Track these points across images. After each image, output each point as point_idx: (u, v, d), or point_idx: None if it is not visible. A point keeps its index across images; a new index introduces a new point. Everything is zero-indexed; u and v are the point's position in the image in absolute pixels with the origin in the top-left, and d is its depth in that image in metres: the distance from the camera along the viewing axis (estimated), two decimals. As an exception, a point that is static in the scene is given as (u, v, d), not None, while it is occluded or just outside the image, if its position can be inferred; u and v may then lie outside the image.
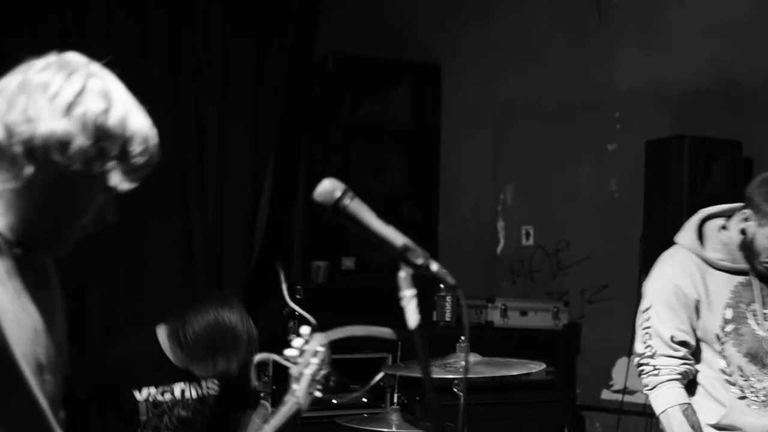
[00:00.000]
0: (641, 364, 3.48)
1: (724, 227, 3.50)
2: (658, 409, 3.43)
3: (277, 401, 2.09)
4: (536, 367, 3.87)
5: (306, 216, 6.00)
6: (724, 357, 3.44)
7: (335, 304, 5.24)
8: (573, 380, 6.09)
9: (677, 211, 5.10)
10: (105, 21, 5.03)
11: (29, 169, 1.72)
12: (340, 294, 5.52)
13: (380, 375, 2.00)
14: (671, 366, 3.42)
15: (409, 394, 4.64)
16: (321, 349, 2.02)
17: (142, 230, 5.13)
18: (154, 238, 5.15)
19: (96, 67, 1.83)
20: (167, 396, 3.73)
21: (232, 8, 5.40)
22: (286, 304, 3.69)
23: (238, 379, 3.72)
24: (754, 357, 3.44)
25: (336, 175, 1.91)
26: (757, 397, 3.44)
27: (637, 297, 3.68)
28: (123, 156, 1.77)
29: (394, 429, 4.03)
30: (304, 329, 2.07)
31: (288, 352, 2.04)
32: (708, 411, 3.44)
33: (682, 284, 3.43)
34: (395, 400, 4.37)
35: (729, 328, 3.43)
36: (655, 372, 3.43)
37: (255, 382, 2.16)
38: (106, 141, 1.74)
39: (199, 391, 3.81)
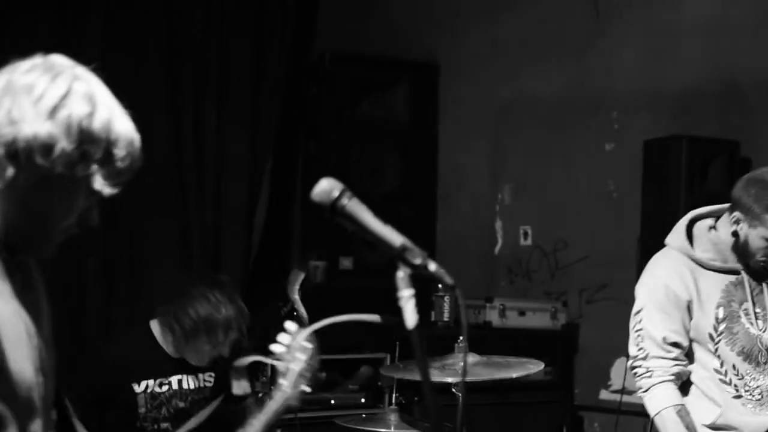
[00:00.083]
0: (634, 367, 3.49)
1: (713, 227, 3.52)
2: (652, 410, 3.43)
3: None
4: (535, 368, 3.86)
5: (304, 216, 5.99)
6: (718, 357, 3.45)
7: (333, 305, 5.23)
8: (571, 380, 6.09)
9: (675, 211, 5.09)
10: (104, 21, 5.03)
11: (11, 171, 1.72)
12: (338, 294, 5.51)
13: (365, 368, 2.01)
14: (664, 367, 3.42)
15: (408, 394, 4.64)
16: (307, 344, 2.02)
17: (141, 230, 5.13)
18: (152, 239, 5.15)
19: (81, 70, 1.81)
20: (165, 388, 3.76)
21: (230, 8, 5.40)
22: (284, 304, 3.71)
23: (228, 367, 3.73)
24: (748, 355, 3.45)
25: (334, 175, 1.90)
26: (752, 395, 3.45)
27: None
28: (106, 160, 1.77)
29: (392, 429, 4.02)
30: (290, 325, 2.07)
31: (275, 348, 2.04)
32: (703, 411, 3.45)
33: (673, 285, 3.44)
34: (394, 400, 4.37)
35: (722, 327, 3.44)
36: (648, 374, 3.44)
37: (245, 390, 2.15)
38: (90, 145, 1.73)
39: (196, 383, 3.82)
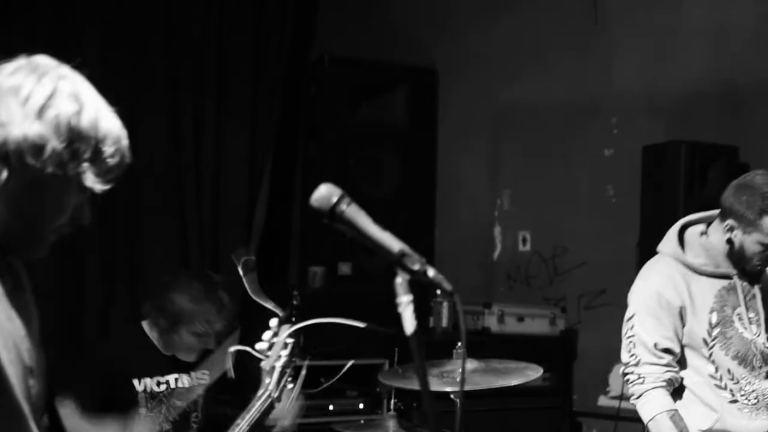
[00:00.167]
0: (626, 373, 3.50)
1: (704, 233, 3.54)
2: (646, 417, 3.44)
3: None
4: (534, 374, 3.85)
5: (303, 221, 5.99)
6: (713, 362, 3.46)
7: (332, 310, 5.23)
8: (570, 386, 6.08)
9: (674, 217, 5.03)
10: (104, 21, 5.03)
11: (3, 174, 1.72)
12: (336, 299, 5.51)
13: (350, 363, 2.01)
14: (656, 373, 3.43)
15: (406, 400, 4.63)
16: (290, 340, 2.02)
17: (140, 230, 5.14)
18: (151, 238, 5.15)
19: (66, 70, 1.83)
20: (163, 387, 3.78)
21: (230, 9, 5.40)
22: (291, 309, 3.71)
23: (222, 362, 3.74)
24: (743, 360, 3.46)
25: (333, 179, 1.90)
26: (748, 399, 3.46)
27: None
28: (96, 157, 1.78)
29: (390, 435, 4.01)
30: (273, 322, 2.07)
31: (258, 345, 2.05)
32: (700, 417, 3.45)
33: (664, 292, 3.45)
34: (392, 406, 4.36)
35: (715, 332, 3.46)
36: (641, 380, 3.44)
37: (230, 372, 2.16)
38: (79, 143, 1.74)
39: (190, 381, 3.84)
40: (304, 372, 2.13)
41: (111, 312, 5.02)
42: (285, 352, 2.03)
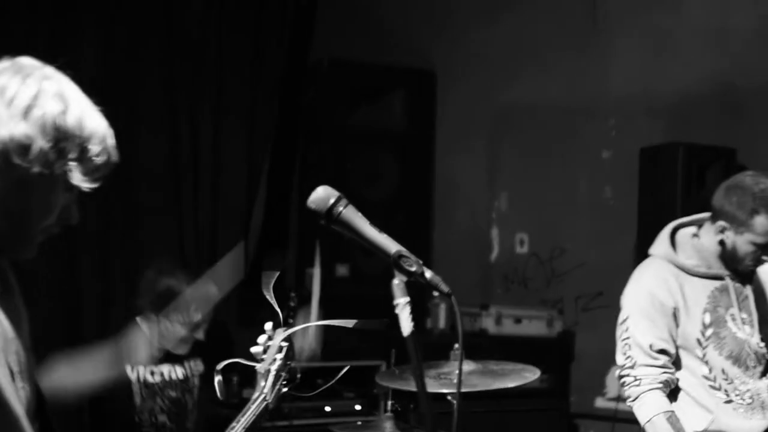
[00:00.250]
0: (622, 376, 3.50)
1: (695, 235, 3.56)
2: (643, 419, 3.44)
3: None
4: (531, 376, 3.85)
5: (300, 222, 5.99)
6: (706, 362, 3.47)
7: (329, 312, 5.22)
8: (567, 388, 6.08)
9: (672, 218, 5.05)
10: (100, 23, 5.03)
11: None
12: (333, 301, 5.50)
13: (346, 368, 2.01)
14: (652, 375, 3.43)
15: (403, 401, 4.62)
16: (285, 344, 2.03)
17: (138, 231, 5.13)
18: (149, 239, 5.15)
19: (50, 70, 1.83)
20: (157, 378, 3.78)
21: (228, 12, 5.40)
22: (288, 311, 3.74)
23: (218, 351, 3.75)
24: (736, 359, 3.47)
25: (330, 182, 1.90)
26: (743, 399, 3.46)
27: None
28: (82, 156, 1.78)
29: (387, 437, 4.01)
30: (267, 325, 2.07)
31: (253, 349, 2.05)
32: (695, 418, 3.46)
33: (658, 293, 3.46)
34: (389, 407, 4.35)
35: (709, 332, 3.47)
36: (637, 382, 3.45)
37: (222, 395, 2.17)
38: (65, 142, 1.75)
39: (184, 372, 3.84)
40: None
41: (109, 315, 5.01)
42: (280, 356, 2.03)
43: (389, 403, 4.32)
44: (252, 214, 5.52)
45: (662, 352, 3.45)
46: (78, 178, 1.78)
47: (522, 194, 6.56)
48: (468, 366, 3.86)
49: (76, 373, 3.44)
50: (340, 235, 1.88)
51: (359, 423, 4.52)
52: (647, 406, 3.43)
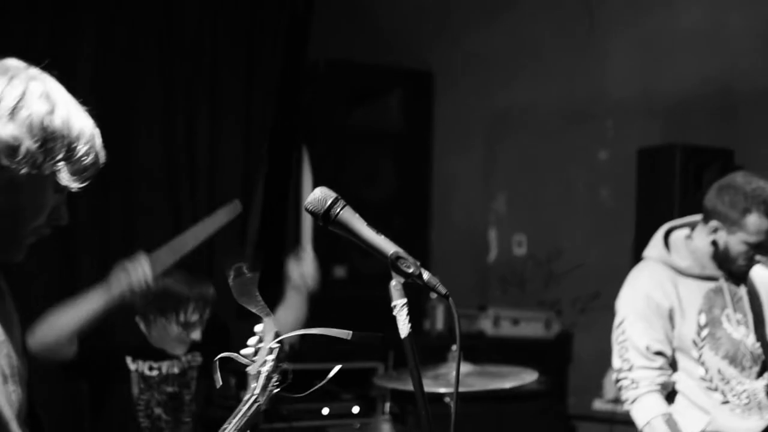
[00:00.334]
0: (619, 379, 3.50)
1: (689, 237, 3.58)
2: (640, 421, 3.44)
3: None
4: (528, 378, 3.85)
5: (297, 225, 5.98)
6: (702, 363, 3.48)
7: (326, 314, 5.22)
8: (565, 390, 6.08)
9: (669, 220, 5.10)
10: (97, 26, 5.03)
11: None
12: (331, 303, 5.49)
13: (338, 367, 2.01)
14: (650, 378, 3.43)
15: (401, 404, 4.62)
16: (276, 345, 2.03)
17: (135, 233, 5.12)
18: (146, 242, 5.13)
19: (35, 71, 1.82)
20: (155, 372, 3.79)
21: (224, 14, 5.40)
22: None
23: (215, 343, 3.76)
24: (733, 360, 3.48)
25: (327, 183, 1.90)
26: (739, 399, 3.47)
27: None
28: (70, 156, 1.78)
29: (385, 439, 4.01)
30: (258, 327, 2.07)
31: (243, 351, 2.05)
32: (692, 419, 3.46)
33: (653, 294, 3.47)
34: (387, 410, 4.35)
35: (705, 333, 3.48)
36: (634, 385, 3.45)
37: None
38: (53, 142, 1.75)
39: (181, 366, 3.84)
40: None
41: (106, 318, 5.00)
42: (271, 357, 2.03)
43: (387, 405, 4.31)
44: (249, 216, 5.51)
45: (659, 354, 3.45)
46: (66, 179, 1.78)
47: (520, 195, 6.56)
48: (465, 368, 3.87)
49: (65, 313, 3.47)
50: (338, 237, 1.88)
51: (357, 425, 4.51)
52: (645, 409, 3.42)
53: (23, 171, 1.72)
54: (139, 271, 3.51)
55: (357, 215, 1.87)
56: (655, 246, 3.60)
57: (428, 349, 4.48)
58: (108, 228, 5.06)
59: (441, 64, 6.41)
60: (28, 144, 1.71)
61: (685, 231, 3.60)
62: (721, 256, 3.48)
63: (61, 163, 1.77)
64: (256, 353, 2.04)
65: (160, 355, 3.84)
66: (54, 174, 1.77)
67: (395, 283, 1.82)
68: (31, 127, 1.72)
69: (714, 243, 3.46)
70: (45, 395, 4.37)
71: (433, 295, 5.17)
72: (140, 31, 5.17)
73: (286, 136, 5.91)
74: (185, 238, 3.82)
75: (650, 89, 5.95)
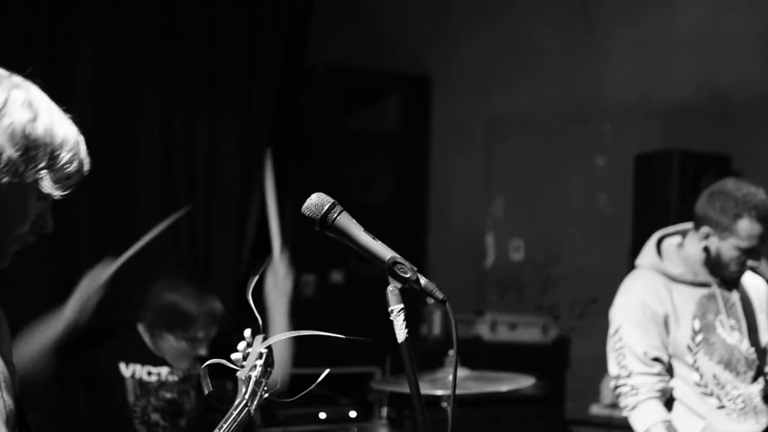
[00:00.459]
0: (618, 386, 3.50)
1: (680, 245, 3.59)
2: (640, 428, 3.44)
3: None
4: (525, 382, 3.85)
5: (294, 228, 5.97)
6: (697, 369, 3.48)
7: (324, 319, 5.22)
8: (562, 395, 6.07)
9: (667, 225, 5.10)
10: (96, 26, 5.03)
11: None
12: (328, 308, 5.50)
13: (325, 372, 2.02)
14: (649, 384, 3.43)
15: (398, 408, 4.61)
16: (265, 351, 2.04)
17: (132, 236, 5.11)
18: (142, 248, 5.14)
19: (18, 79, 1.81)
20: (153, 378, 3.77)
21: (223, 14, 5.40)
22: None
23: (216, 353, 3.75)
24: (727, 365, 3.49)
25: (325, 187, 1.90)
26: (735, 404, 3.48)
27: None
28: (53, 164, 1.77)
29: (382, 444, 4.00)
30: (247, 332, 2.08)
31: (233, 356, 2.06)
32: (689, 426, 3.46)
33: (648, 301, 3.48)
34: (384, 414, 4.35)
35: (699, 338, 3.49)
36: (634, 392, 3.44)
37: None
38: (35, 150, 1.74)
39: (181, 373, 3.83)
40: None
41: (105, 318, 5.00)
42: (260, 362, 2.04)
43: (384, 409, 4.31)
44: (247, 219, 5.51)
45: (656, 360, 3.45)
46: (49, 186, 1.77)
47: (517, 200, 6.56)
48: (462, 373, 3.86)
49: (36, 333, 3.50)
50: (335, 241, 1.88)
51: (355, 430, 4.51)
52: (645, 416, 3.42)
53: (5, 179, 1.71)
54: (96, 279, 3.53)
55: (354, 221, 1.87)
56: (647, 254, 3.61)
57: (425, 354, 4.48)
58: (106, 228, 5.05)
59: (439, 68, 6.42)
60: (10, 152, 1.70)
61: (677, 238, 3.62)
62: (713, 263, 3.49)
63: (44, 171, 1.76)
64: (245, 358, 2.05)
65: (157, 360, 3.83)
66: (36, 182, 1.76)
67: (392, 288, 1.82)
68: (13, 135, 1.71)
69: (706, 249, 3.48)
70: (41, 401, 4.37)
71: (431, 300, 5.18)
72: (140, 32, 5.17)
73: (285, 140, 5.91)
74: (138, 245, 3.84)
75: (648, 95, 5.96)
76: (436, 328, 5.70)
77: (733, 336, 3.52)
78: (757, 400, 3.52)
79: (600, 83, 6.16)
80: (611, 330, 3.55)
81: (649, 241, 3.65)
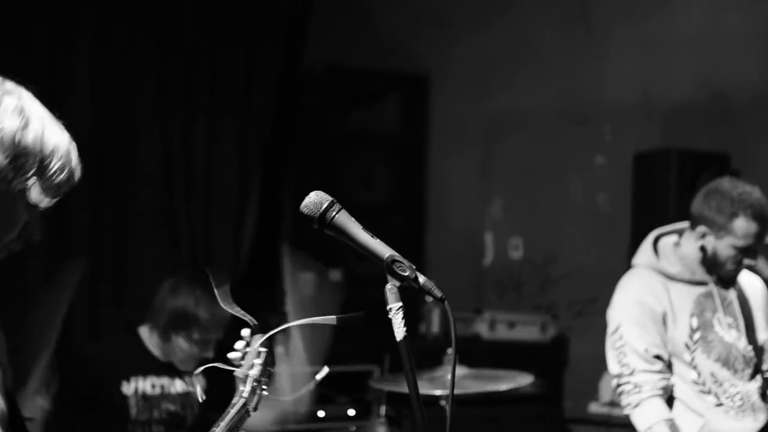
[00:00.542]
0: (620, 384, 3.50)
1: (677, 244, 3.60)
2: (642, 426, 3.44)
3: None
4: (524, 381, 3.86)
5: (294, 226, 5.98)
6: (695, 367, 3.49)
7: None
8: (561, 393, 6.08)
9: (666, 224, 5.11)
10: (96, 26, 5.03)
11: None
12: (327, 305, 5.49)
13: (324, 372, 2.03)
14: (651, 382, 3.44)
15: (397, 407, 4.62)
16: (263, 349, 2.05)
17: (130, 236, 5.12)
18: (140, 247, 5.14)
19: (11, 85, 1.79)
20: (157, 390, 3.76)
21: (223, 14, 5.40)
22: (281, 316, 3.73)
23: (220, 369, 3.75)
24: (725, 362, 3.50)
25: (324, 186, 1.91)
26: (733, 401, 3.48)
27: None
28: (42, 172, 1.75)
29: (380, 442, 4.01)
30: (245, 331, 2.09)
31: (231, 355, 2.07)
32: (688, 424, 3.46)
33: (646, 299, 3.49)
34: (382, 413, 4.35)
35: (697, 336, 3.49)
36: (637, 390, 3.44)
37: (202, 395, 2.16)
38: (24, 158, 1.72)
39: (184, 386, 3.82)
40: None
41: (103, 318, 5.01)
42: (259, 361, 2.04)
43: (382, 408, 4.32)
44: (245, 219, 5.51)
45: (657, 357, 3.46)
46: (36, 195, 1.76)
47: (516, 199, 6.56)
48: (461, 371, 3.87)
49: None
50: (334, 240, 1.88)
51: (354, 428, 4.51)
52: (647, 414, 3.42)
53: None
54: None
55: (352, 219, 1.87)
56: (644, 253, 3.62)
57: (424, 353, 4.48)
58: (106, 228, 5.06)
59: (437, 69, 6.42)
60: None
61: (674, 237, 3.62)
62: (709, 262, 3.50)
63: (33, 179, 1.74)
64: (243, 357, 2.06)
65: (159, 370, 3.81)
66: (25, 190, 1.74)
67: (391, 287, 1.82)
68: (2, 143, 1.69)
69: (702, 248, 3.48)
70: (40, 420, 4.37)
71: (429, 299, 5.19)
72: (140, 32, 5.18)
73: (284, 140, 5.92)
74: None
75: (647, 94, 5.96)
76: (435, 327, 5.70)
77: (730, 334, 3.53)
78: (755, 397, 3.53)
79: (600, 83, 6.16)
80: (610, 329, 3.56)
81: (645, 241, 3.66)
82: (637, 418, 3.45)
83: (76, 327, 4.91)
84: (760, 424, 3.51)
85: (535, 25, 6.36)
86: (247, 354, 2.06)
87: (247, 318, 2.09)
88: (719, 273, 3.52)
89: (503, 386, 3.82)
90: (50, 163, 1.75)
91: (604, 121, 6.15)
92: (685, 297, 3.51)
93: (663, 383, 3.45)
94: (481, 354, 5.50)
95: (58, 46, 4.88)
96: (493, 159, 6.66)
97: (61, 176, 1.77)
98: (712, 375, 3.48)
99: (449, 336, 2.85)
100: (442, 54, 6.52)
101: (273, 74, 5.57)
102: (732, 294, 3.59)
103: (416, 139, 6.28)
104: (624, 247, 5.54)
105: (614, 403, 5.66)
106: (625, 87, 6.06)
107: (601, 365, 5.84)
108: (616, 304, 3.59)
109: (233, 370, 2.05)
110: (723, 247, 3.43)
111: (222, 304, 2.04)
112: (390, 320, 1.81)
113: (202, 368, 2.09)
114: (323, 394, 5.16)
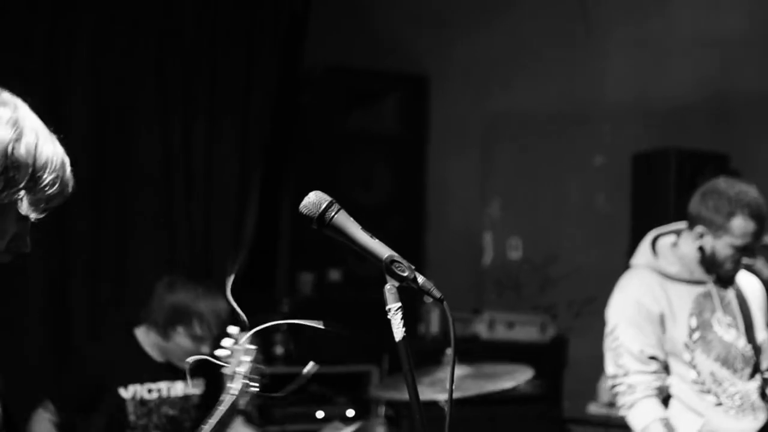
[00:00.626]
0: (615, 385, 3.51)
1: (675, 244, 3.61)
2: (638, 426, 3.45)
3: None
4: (523, 377, 3.86)
5: (293, 227, 5.98)
6: (694, 366, 3.49)
7: (322, 317, 5.22)
8: (560, 393, 6.08)
9: (665, 224, 5.11)
10: (96, 26, 5.03)
11: None
12: (326, 307, 5.50)
13: (312, 368, 2.03)
14: (646, 382, 3.45)
15: (396, 407, 4.62)
16: (251, 346, 2.05)
17: (129, 237, 5.12)
18: (140, 247, 5.14)
19: (7, 96, 1.77)
20: (154, 395, 3.76)
21: (223, 14, 5.40)
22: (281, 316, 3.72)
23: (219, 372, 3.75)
24: (725, 362, 3.50)
25: (323, 186, 1.91)
26: (732, 401, 3.49)
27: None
28: (33, 185, 1.73)
29: (379, 442, 4.01)
30: (233, 329, 2.09)
31: (220, 352, 2.07)
32: (687, 423, 3.47)
33: (644, 300, 3.50)
34: (381, 413, 4.36)
35: (696, 335, 3.50)
36: (631, 390, 3.46)
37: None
38: (15, 171, 1.70)
39: (183, 389, 3.82)
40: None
41: (103, 318, 5.01)
42: (247, 358, 2.05)
43: (382, 408, 4.32)
44: (244, 219, 5.51)
45: (653, 358, 3.46)
46: (26, 208, 1.74)
47: (515, 199, 6.56)
48: (460, 370, 3.87)
49: None
50: (333, 240, 1.89)
51: (352, 429, 4.51)
52: (642, 414, 3.43)
53: None
54: None
55: (351, 219, 1.87)
56: (642, 253, 3.63)
57: (423, 353, 4.49)
58: (106, 228, 5.06)
59: (437, 69, 6.42)
60: None
61: (672, 238, 3.63)
62: (708, 261, 3.51)
63: (23, 192, 1.72)
64: (231, 354, 2.07)
65: (156, 375, 3.81)
66: (15, 203, 1.73)
67: (390, 287, 1.82)
68: None
69: (701, 248, 3.49)
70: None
71: (428, 299, 5.18)
72: (139, 32, 5.17)
73: (283, 140, 5.92)
74: None
75: (646, 94, 5.96)
76: (434, 327, 5.70)
77: (729, 333, 3.53)
78: (755, 397, 3.54)
79: (599, 83, 6.17)
80: (607, 329, 3.57)
81: (643, 241, 3.67)
82: (633, 419, 3.46)
83: (76, 327, 4.91)
84: (759, 423, 3.52)
85: (535, 25, 6.36)
86: (235, 351, 2.07)
87: (242, 316, 2.10)
88: (718, 272, 3.53)
89: (503, 384, 3.82)
90: (42, 176, 1.74)
91: (603, 122, 6.15)
92: (684, 297, 3.52)
93: (657, 384, 3.46)
94: (480, 354, 5.50)
95: (57, 46, 4.88)
96: (493, 159, 6.66)
97: (53, 190, 1.75)
98: (712, 374, 3.48)
99: (448, 336, 2.86)
100: (442, 54, 6.52)
101: (273, 74, 5.57)
102: (731, 293, 3.59)
103: (416, 139, 6.28)
104: (623, 247, 5.54)
105: (613, 404, 5.67)
106: (624, 87, 6.06)
107: (600, 366, 5.83)
108: (613, 304, 3.60)
109: (223, 366, 2.06)
110: (721, 246, 3.44)
111: (222, 298, 2.05)
112: (389, 321, 1.81)
113: (193, 359, 2.09)
114: (322, 394, 5.17)
